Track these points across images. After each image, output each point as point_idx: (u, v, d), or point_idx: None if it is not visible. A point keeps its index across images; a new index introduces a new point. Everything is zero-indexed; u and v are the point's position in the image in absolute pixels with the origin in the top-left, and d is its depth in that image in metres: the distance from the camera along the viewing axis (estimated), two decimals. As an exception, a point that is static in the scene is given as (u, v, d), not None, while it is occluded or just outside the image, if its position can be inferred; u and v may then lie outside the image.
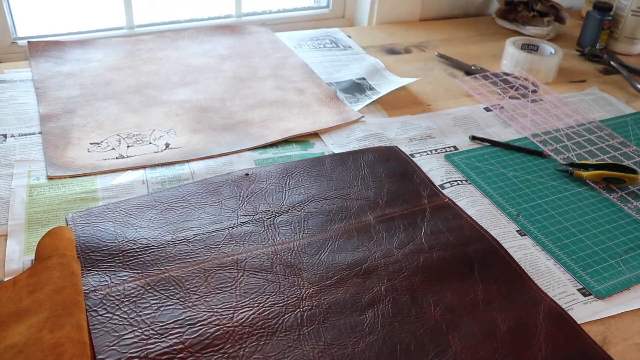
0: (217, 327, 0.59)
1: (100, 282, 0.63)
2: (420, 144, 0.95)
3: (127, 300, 0.61)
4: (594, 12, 1.33)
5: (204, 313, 0.61)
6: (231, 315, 0.61)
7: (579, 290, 0.69)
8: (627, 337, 0.64)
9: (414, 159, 0.90)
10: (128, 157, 0.86)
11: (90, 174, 0.82)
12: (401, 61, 1.24)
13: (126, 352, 0.56)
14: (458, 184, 0.85)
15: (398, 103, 1.07)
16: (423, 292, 0.66)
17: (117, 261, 0.66)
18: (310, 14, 1.44)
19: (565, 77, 1.23)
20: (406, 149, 0.93)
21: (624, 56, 1.34)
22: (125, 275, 0.64)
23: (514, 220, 0.80)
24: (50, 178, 0.80)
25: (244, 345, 0.58)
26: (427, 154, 0.92)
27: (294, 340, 0.59)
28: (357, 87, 1.10)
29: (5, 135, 0.89)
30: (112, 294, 0.62)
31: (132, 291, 0.62)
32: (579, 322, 0.64)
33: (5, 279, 0.64)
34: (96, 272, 0.64)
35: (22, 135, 0.89)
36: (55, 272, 0.61)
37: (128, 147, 0.88)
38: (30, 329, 0.55)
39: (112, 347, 0.56)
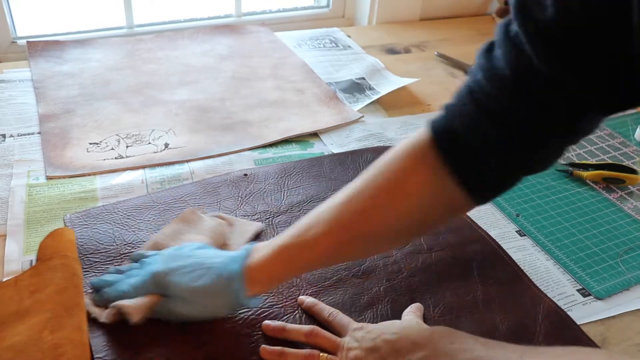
0: (215, 328, 0.59)
1: (99, 282, 0.63)
2: (419, 144, 0.94)
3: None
4: (594, 11, 1.33)
5: (203, 314, 0.61)
6: (229, 316, 0.61)
7: (578, 290, 0.69)
8: (626, 338, 0.64)
9: (413, 159, 0.90)
10: (127, 157, 0.86)
11: (89, 174, 0.81)
12: (401, 61, 1.24)
13: (123, 353, 0.56)
14: (457, 184, 0.85)
15: (398, 103, 1.06)
16: (422, 293, 0.66)
17: (115, 264, 0.66)
18: (310, 13, 1.44)
19: (565, 76, 1.22)
20: (406, 149, 0.92)
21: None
22: (124, 276, 0.64)
23: (513, 220, 0.79)
24: (49, 178, 0.80)
25: (242, 347, 0.58)
26: (427, 154, 0.92)
27: (291, 340, 0.59)
28: (356, 87, 1.10)
29: (4, 135, 0.89)
30: None
31: (130, 292, 0.62)
32: (578, 323, 0.64)
33: (5, 279, 0.64)
34: (94, 274, 0.64)
35: (21, 135, 0.89)
36: (58, 273, 0.61)
37: (127, 147, 0.88)
38: (31, 329, 0.55)
39: (109, 348, 0.56)
